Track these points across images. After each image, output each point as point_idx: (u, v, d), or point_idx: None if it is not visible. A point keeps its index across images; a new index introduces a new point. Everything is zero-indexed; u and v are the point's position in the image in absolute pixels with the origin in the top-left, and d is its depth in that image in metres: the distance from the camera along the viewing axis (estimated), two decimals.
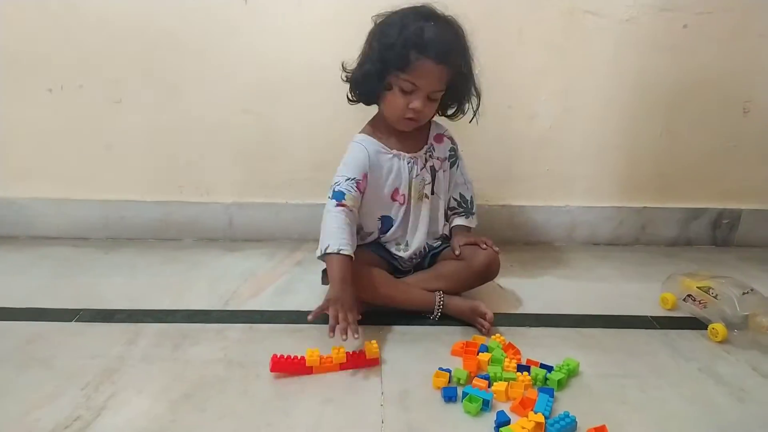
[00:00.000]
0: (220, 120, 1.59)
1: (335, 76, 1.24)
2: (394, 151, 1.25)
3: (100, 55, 1.52)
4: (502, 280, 1.46)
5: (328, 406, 0.98)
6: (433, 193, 1.31)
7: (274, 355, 1.05)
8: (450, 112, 1.28)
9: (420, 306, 1.25)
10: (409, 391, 1.02)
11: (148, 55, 1.52)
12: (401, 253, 1.32)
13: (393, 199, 1.28)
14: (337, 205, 1.18)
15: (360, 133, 1.28)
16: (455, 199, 1.37)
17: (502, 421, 0.92)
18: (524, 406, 0.96)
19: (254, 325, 1.23)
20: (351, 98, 1.26)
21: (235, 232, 1.70)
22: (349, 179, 1.21)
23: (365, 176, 1.23)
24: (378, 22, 1.18)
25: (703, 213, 1.71)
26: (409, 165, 1.26)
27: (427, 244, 1.33)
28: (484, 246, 1.27)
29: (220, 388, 1.01)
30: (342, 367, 1.07)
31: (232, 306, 1.32)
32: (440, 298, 1.23)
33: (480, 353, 1.10)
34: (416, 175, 1.27)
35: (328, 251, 1.14)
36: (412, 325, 1.23)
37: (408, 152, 1.26)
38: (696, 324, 1.26)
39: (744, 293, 1.21)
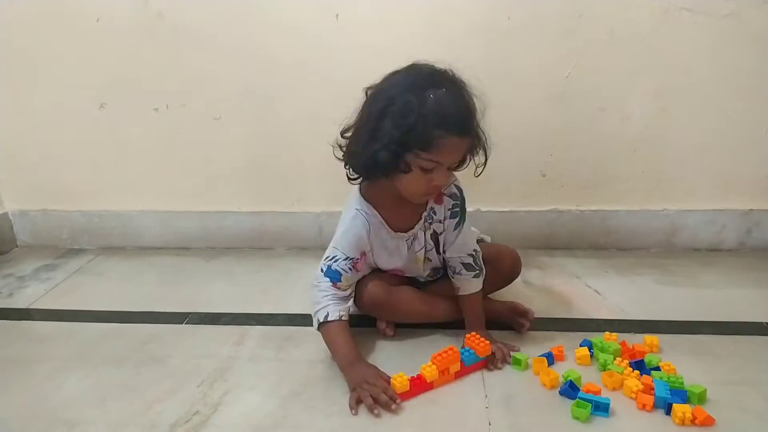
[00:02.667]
0: (311, 132, 1.64)
1: None
2: (397, 234, 1.15)
3: (201, 75, 1.61)
4: (599, 286, 1.42)
5: (432, 407, 0.98)
6: (439, 253, 1.21)
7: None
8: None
9: (451, 317, 1.21)
10: (513, 394, 1.01)
11: (245, 72, 1.59)
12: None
13: (391, 273, 1.23)
14: (333, 286, 1.11)
15: (362, 195, 1.15)
16: (470, 255, 1.19)
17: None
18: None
19: (351, 328, 1.25)
20: (351, 177, 1.12)
21: (325, 240, 1.73)
22: (347, 259, 1.12)
23: (363, 255, 1.15)
24: (376, 94, 1.04)
25: None
26: (408, 242, 1.17)
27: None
28: (500, 366, 1.10)
29: (326, 387, 1.04)
30: (457, 375, 1.06)
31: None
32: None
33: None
34: (419, 249, 1.19)
35: (329, 319, 1.08)
36: (505, 331, 1.22)
37: (406, 229, 1.16)
38: None
39: None
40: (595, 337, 1.14)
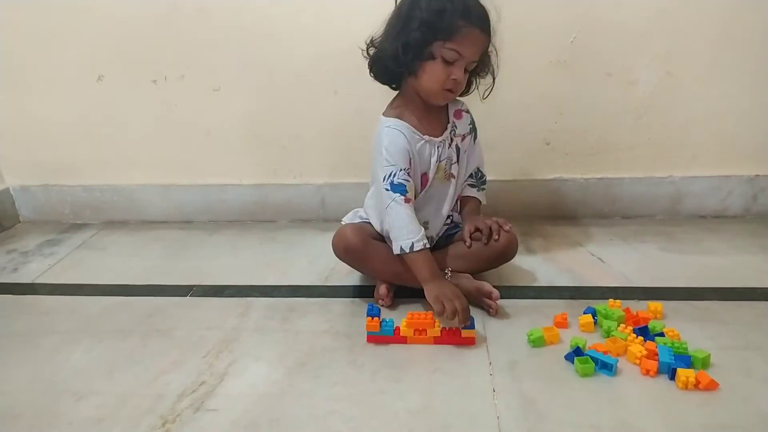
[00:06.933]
0: (311, 103, 1.62)
1: None
2: (426, 137, 1.20)
3: (199, 46, 1.58)
4: (603, 254, 1.42)
5: (437, 375, 0.99)
6: (458, 167, 1.27)
7: (368, 320, 1.08)
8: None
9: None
10: (517, 361, 1.01)
11: (244, 43, 1.57)
12: None
13: (421, 183, 1.24)
14: (405, 200, 1.15)
15: (386, 116, 1.21)
16: (473, 172, 1.33)
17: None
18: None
19: (355, 299, 1.25)
20: (376, 76, 1.21)
21: (327, 212, 1.74)
22: (402, 169, 1.16)
23: (411, 163, 1.18)
24: None
25: None
26: (439, 148, 1.21)
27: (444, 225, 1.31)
28: (496, 237, 1.22)
29: (331, 357, 1.05)
30: (436, 341, 1.08)
31: (332, 282, 1.35)
32: (448, 277, 1.19)
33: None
34: (444, 158, 1.23)
35: (414, 249, 1.13)
36: (512, 299, 1.21)
37: (435, 135, 1.21)
38: None
39: None
40: (599, 305, 1.14)
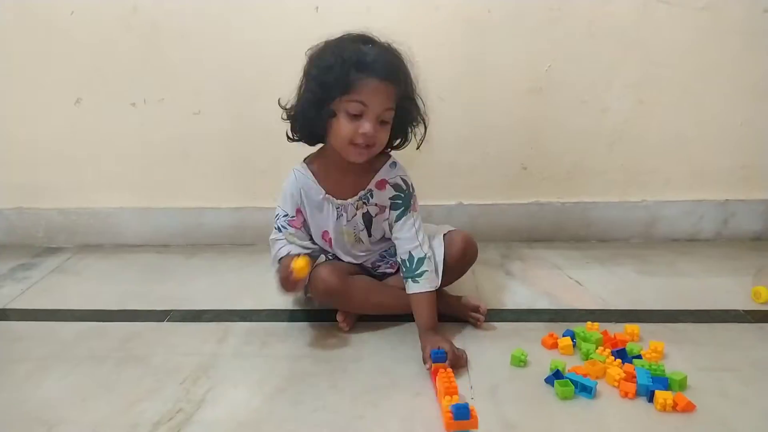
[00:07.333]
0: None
1: None
2: (324, 193, 1.18)
3: (180, 69, 1.58)
4: (581, 277, 1.44)
5: (417, 399, 0.99)
6: (370, 236, 1.23)
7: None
8: (395, 143, 1.17)
9: (410, 309, 1.16)
10: (498, 385, 1.02)
11: (226, 66, 1.57)
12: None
13: (323, 238, 1.24)
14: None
15: (304, 159, 1.22)
16: (402, 259, 1.18)
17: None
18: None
19: (335, 322, 1.24)
20: (292, 136, 1.17)
21: None
22: (285, 215, 1.20)
23: (299, 211, 1.20)
24: (311, 53, 1.11)
25: None
26: (338, 210, 1.19)
27: (385, 252, 1.28)
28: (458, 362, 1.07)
29: (311, 382, 1.04)
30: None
31: (312, 305, 1.34)
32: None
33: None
34: (346, 222, 1.20)
35: (282, 255, 1.18)
36: (494, 321, 1.22)
37: (341, 196, 1.18)
38: None
39: None
40: (578, 327, 1.16)
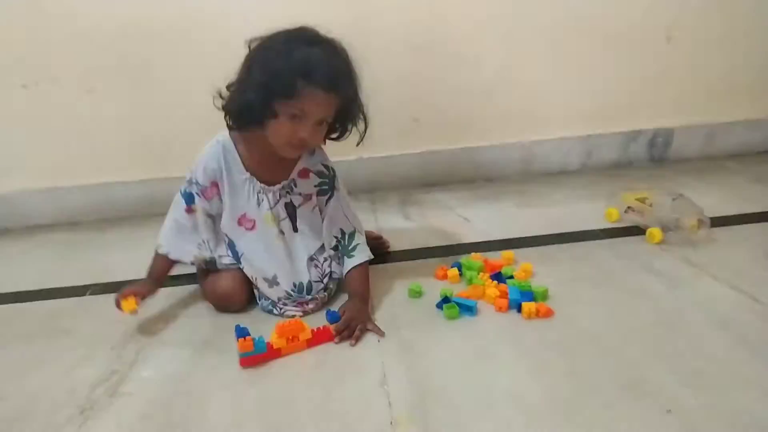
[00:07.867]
0: (191, 99, 1.67)
1: None
2: (248, 175, 1.16)
3: (69, 47, 1.58)
4: (469, 215, 1.63)
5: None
6: (296, 230, 1.21)
7: (240, 342, 1.04)
8: (334, 135, 1.16)
9: None
10: (398, 315, 1.18)
11: (118, 41, 1.58)
12: (271, 290, 1.19)
13: (239, 223, 1.20)
14: (186, 210, 1.19)
15: (228, 133, 1.16)
16: (335, 237, 1.23)
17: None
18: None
19: None
20: (230, 124, 1.13)
21: None
22: (198, 184, 1.17)
23: (215, 184, 1.17)
24: (256, 46, 1.06)
25: (639, 135, 1.90)
26: (258, 195, 1.18)
27: (313, 282, 1.20)
28: (353, 342, 1.09)
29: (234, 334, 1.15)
30: (309, 344, 1.08)
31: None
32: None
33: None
34: (269, 209, 1.18)
35: (161, 252, 1.21)
36: (392, 263, 1.39)
37: (263, 182, 1.17)
38: (637, 231, 1.45)
39: (674, 199, 1.40)
40: (464, 258, 1.34)
